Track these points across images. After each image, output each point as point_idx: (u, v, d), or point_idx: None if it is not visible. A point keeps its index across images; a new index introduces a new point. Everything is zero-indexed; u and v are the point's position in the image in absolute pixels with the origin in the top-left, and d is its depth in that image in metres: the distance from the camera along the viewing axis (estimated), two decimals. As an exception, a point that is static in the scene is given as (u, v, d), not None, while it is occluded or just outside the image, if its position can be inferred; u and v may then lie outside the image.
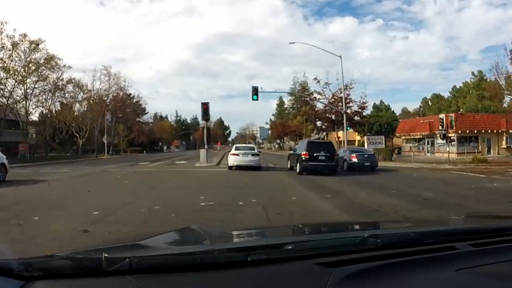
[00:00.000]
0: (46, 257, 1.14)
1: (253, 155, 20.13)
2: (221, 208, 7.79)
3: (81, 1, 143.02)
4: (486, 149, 36.75)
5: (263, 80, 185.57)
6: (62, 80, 39.86)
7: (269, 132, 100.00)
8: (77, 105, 49.36)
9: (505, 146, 37.43)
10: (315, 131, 56.03)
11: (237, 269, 1.13)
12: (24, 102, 37.19)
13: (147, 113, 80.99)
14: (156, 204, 7.91)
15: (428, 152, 39.10)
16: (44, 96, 39.66)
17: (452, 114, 31.45)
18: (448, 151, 26.77)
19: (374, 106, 49.63)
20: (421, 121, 41.17)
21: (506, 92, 29.07)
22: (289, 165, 20.57)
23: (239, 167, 19.28)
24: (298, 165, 17.98)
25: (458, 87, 76.80)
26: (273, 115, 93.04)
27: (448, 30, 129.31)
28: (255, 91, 28.44)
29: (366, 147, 31.74)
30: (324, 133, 48.34)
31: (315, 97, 43.08)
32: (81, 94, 47.22)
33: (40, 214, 6.84)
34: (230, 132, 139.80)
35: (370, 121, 44.50)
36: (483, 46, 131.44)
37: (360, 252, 1.25)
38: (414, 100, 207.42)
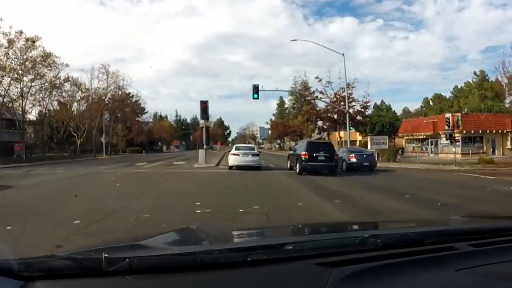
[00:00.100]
0: (46, 257, 1.14)
1: (253, 155, 20.18)
2: (219, 216, 7.08)
3: (81, 1, 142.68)
4: (491, 150, 35.85)
5: (263, 80, 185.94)
6: (59, 78, 38.92)
7: (269, 132, 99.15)
8: (75, 104, 48.53)
9: (510, 147, 36.89)
10: (316, 131, 55.31)
11: (237, 269, 1.13)
12: (20, 101, 36.28)
13: (146, 112, 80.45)
14: (146, 211, 7.08)
15: (431, 152, 38.26)
16: (41, 95, 38.83)
17: (459, 114, 30.68)
18: (455, 152, 25.88)
19: (375, 106, 49.05)
20: (425, 121, 40.36)
21: (509, 91, 28.25)
22: (289, 165, 20.55)
23: (239, 167, 19.33)
24: (297, 165, 17.96)
25: (459, 87, 75.94)
26: (273, 115, 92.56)
27: (448, 30, 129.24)
28: (255, 89, 27.83)
29: (369, 147, 30.94)
30: (326, 133, 47.56)
31: (316, 96, 42.23)
32: (79, 93, 46.30)
33: (13, 223, 5.98)
34: (230, 132, 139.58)
35: (372, 121, 43.57)
36: (483, 46, 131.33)
37: (360, 252, 1.24)
38: (414, 100, 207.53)
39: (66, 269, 1.09)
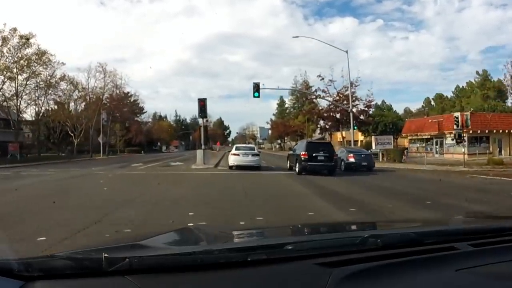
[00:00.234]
0: (46, 257, 1.15)
1: (253, 155, 20.39)
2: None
3: (81, 1, 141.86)
4: (497, 150, 34.78)
5: (263, 80, 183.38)
6: (54, 77, 37.75)
7: (269, 132, 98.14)
8: (72, 103, 47.40)
9: (517, 147, 35.39)
10: (318, 131, 54.20)
11: (237, 269, 1.13)
12: (15, 100, 35.14)
13: (145, 112, 79.35)
14: (128, 225, 6.01)
15: (436, 153, 37.07)
16: (36, 94, 37.69)
17: (468, 113, 29.42)
18: (464, 153, 24.71)
19: (376, 106, 47.68)
20: (430, 121, 39.34)
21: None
22: (288, 165, 20.70)
23: (239, 167, 19.54)
24: (297, 165, 18.05)
25: (460, 87, 75.06)
26: (273, 114, 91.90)
27: (448, 30, 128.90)
28: (256, 87, 27.00)
29: (373, 147, 29.93)
30: (328, 133, 46.41)
31: (319, 95, 41.06)
32: (76, 92, 45.14)
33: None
34: (230, 132, 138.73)
35: (375, 120, 42.41)
36: (483, 47, 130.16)
37: (360, 252, 1.25)
38: (415, 100, 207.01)
39: (66, 269, 1.09)
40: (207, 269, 1.10)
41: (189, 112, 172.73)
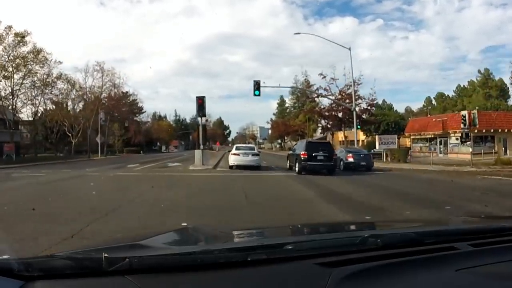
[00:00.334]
0: (46, 257, 1.15)
1: (253, 155, 20.57)
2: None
3: (81, 1, 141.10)
4: (502, 149, 33.91)
5: (263, 80, 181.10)
6: (51, 76, 36.79)
7: (269, 131, 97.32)
8: (70, 103, 46.47)
9: (523, 146, 34.51)
10: (319, 131, 53.33)
11: (237, 269, 1.12)
12: (10, 99, 34.24)
13: (144, 112, 78.28)
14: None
15: (440, 152, 36.13)
16: (32, 93, 36.70)
17: (475, 111, 28.47)
18: (471, 152, 23.84)
19: (377, 105, 46.67)
20: (434, 120, 38.41)
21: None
22: (288, 165, 20.86)
23: (239, 167, 19.74)
24: (297, 164, 18.15)
25: (461, 86, 74.21)
26: (273, 114, 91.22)
27: (448, 30, 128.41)
28: (257, 85, 26.43)
29: (377, 147, 29.07)
30: (330, 133, 45.50)
31: (321, 93, 40.19)
32: (74, 91, 44.19)
33: None
34: (230, 132, 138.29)
35: (377, 119, 41.51)
36: (483, 46, 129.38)
37: (360, 252, 1.24)
38: (415, 100, 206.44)
39: (66, 269, 1.09)
40: (207, 269, 1.10)
41: (189, 112, 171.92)
